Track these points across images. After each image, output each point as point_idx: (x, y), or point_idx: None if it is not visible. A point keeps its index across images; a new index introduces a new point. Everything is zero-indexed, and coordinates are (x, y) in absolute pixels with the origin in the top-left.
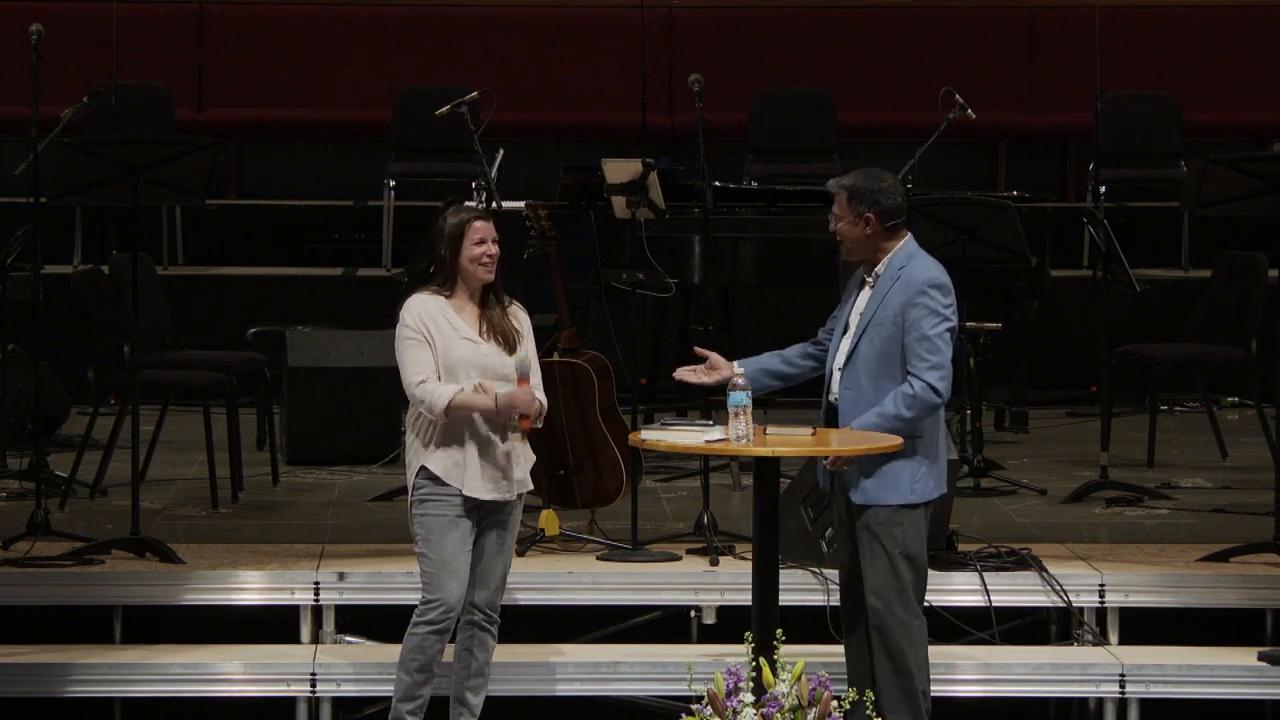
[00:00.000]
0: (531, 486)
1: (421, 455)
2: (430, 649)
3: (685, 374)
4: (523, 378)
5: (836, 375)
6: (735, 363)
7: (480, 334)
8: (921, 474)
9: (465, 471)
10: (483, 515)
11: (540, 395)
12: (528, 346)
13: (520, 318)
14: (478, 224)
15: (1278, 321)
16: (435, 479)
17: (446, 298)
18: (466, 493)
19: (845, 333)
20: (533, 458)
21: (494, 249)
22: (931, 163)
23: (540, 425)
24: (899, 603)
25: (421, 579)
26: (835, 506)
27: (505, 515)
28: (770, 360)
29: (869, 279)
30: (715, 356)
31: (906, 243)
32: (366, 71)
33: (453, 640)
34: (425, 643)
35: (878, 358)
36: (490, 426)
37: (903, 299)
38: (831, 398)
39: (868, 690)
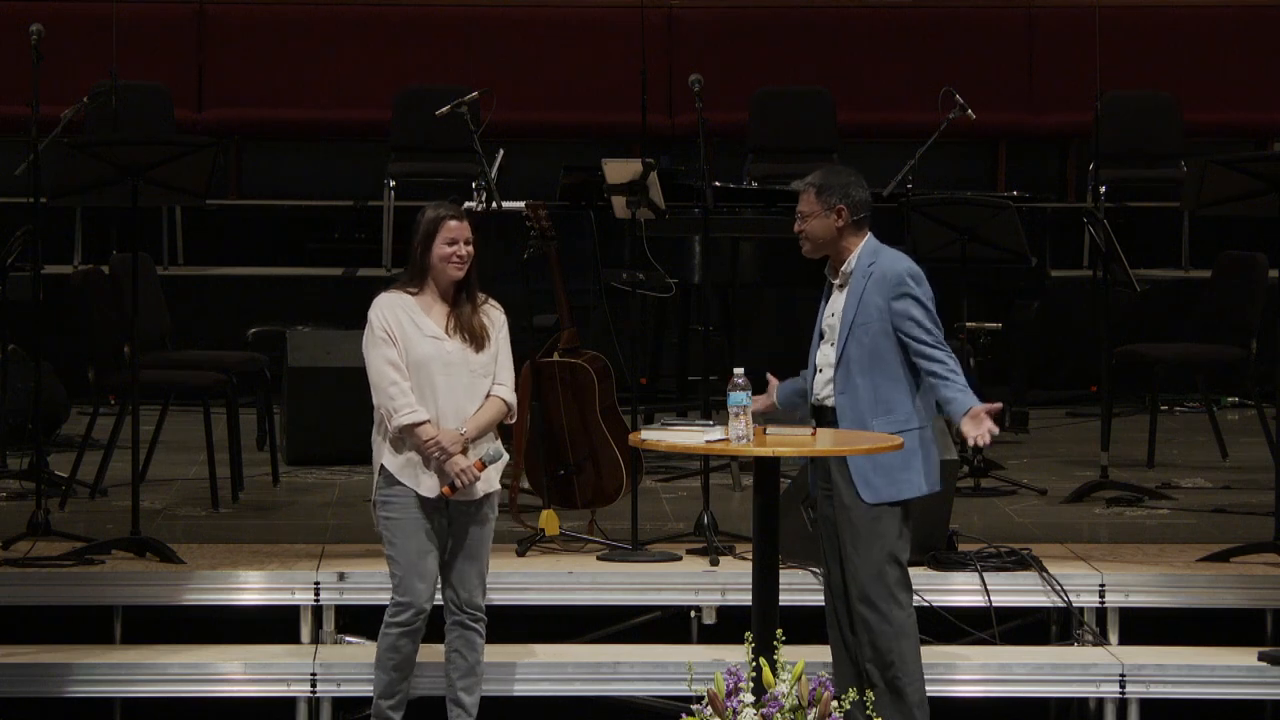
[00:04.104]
0: (498, 488)
1: (382, 454)
2: (404, 648)
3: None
4: (481, 463)
5: (821, 379)
6: (778, 383)
7: (446, 331)
8: (915, 470)
9: (421, 472)
10: (452, 516)
11: (476, 478)
12: (500, 353)
13: (493, 315)
14: (451, 223)
15: (1278, 321)
16: (392, 479)
17: (414, 294)
18: (420, 493)
19: (823, 338)
20: (504, 458)
21: (465, 250)
22: (931, 163)
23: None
24: (885, 597)
25: (390, 580)
26: (819, 506)
27: (475, 515)
28: (799, 381)
29: (836, 280)
30: (772, 381)
31: (869, 239)
32: (366, 71)
33: (443, 641)
34: (399, 643)
35: (869, 356)
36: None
37: (884, 295)
38: (816, 400)
39: (868, 690)
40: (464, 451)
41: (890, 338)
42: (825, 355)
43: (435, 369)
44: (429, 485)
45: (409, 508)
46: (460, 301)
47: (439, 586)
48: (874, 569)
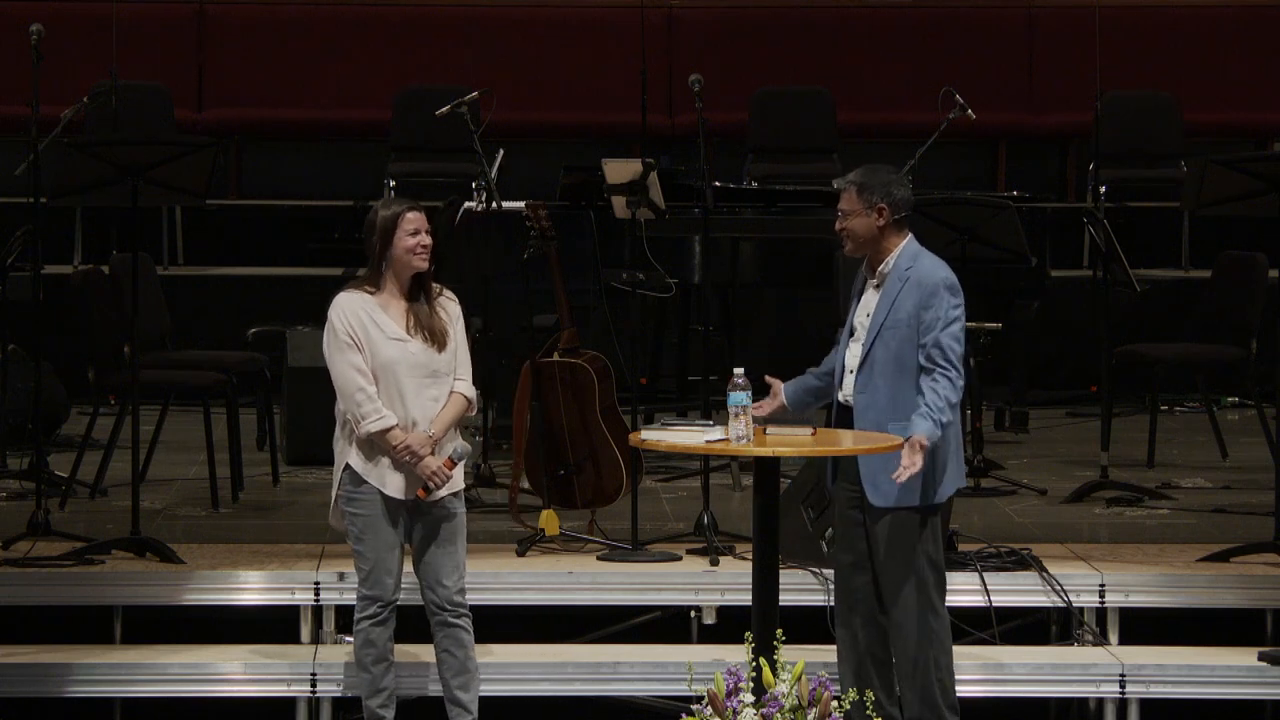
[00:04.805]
0: (463, 485)
1: (348, 455)
2: (378, 640)
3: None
4: (450, 461)
5: (849, 378)
6: (782, 384)
7: (407, 331)
8: (940, 474)
9: (386, 471)
10: (419, 514)
11: (450, 476)
12: (459, 348)
13: (449, 308)
14: (411, 214)
15: (1278, 321)
16: (358, 478)
17: (372, 294)
18: (386, 492)
19: (853, 335)
20: (467, 451)
21: (427, 240)
22: (931, 163)
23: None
24: (920, 603)
25: (357, 574)
26: (838, 504)
27: (441, 513)
28: (809, 379)
29: (873, 279)
30: (774, 383)
31: (910, 241)
32: (366, 71)
33: (432, 641)
34: (371, 635)
35: (893, 361)
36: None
37: (915, 301)
38: (842, 398)
39: (868, 690)
40: (432, 452)
41: (915, 344)
42: (854, 354)
43: (401, 372)
44: (395, 485)
45: (375, 505)
46: (418, 297)
47: (421, 585)
48: (906, 575)
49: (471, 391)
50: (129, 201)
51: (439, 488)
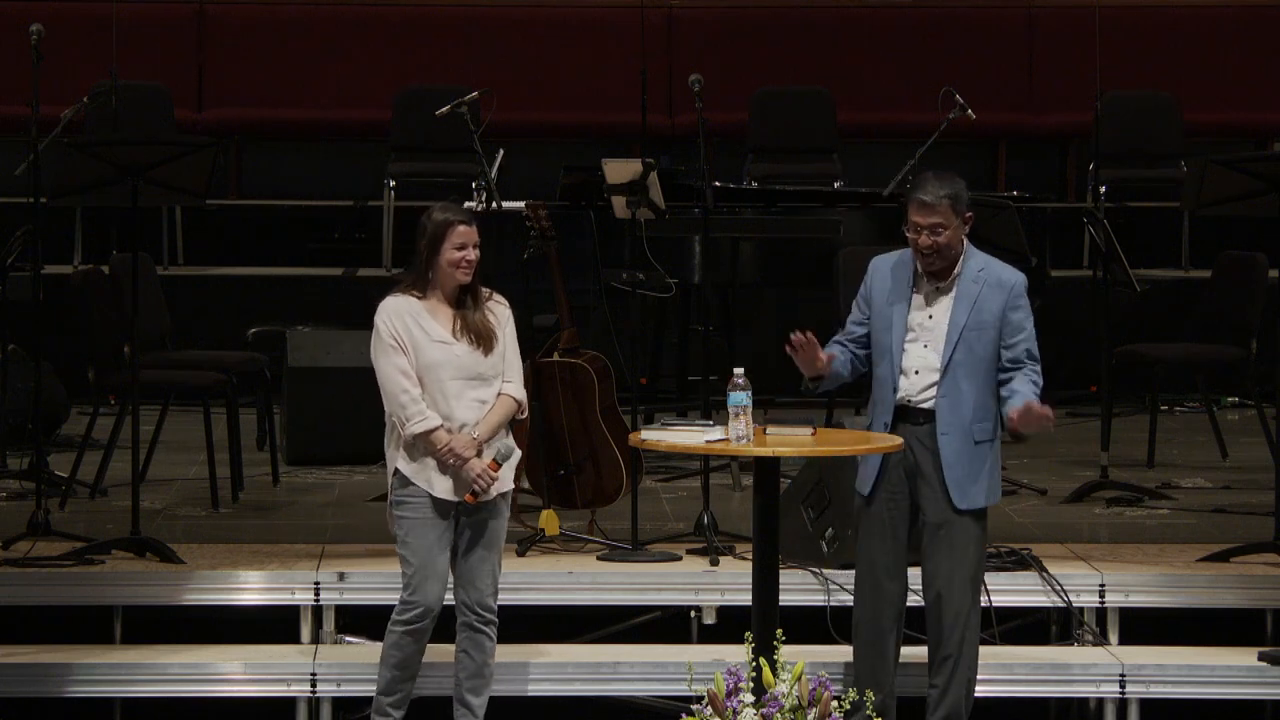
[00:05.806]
0: (511, 486)
1: (395, 457)
2: (407, 647)
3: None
4: (495, 463)
5: (912, 379)
6: (824, 351)
7: (453, 334)
8: (997, 479)
9: (433, 473)
10: (463, 516)
11: (502, 480)
12: (508, 350)
13: (498, 312)
14: (461, 228)
15: (1278, 321)
16: (406, 481)
17: (419, 298)
18: (434, 494)
19: (908, 334)
20: (516, 454)
21: (474, 254)
22: (931, 163)
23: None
24: (974, 601)
25: (401, 579)
26: (881, 504)
27: (487, 516)
28: (845, 355)
29: (937, 282)
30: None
31: (968, 244)
32: (366, 71)
33: (453, 641)
34: (401, 641)
35: (977, 361)
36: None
37: (1001, 303)
38: (902, 399)
39: (868, 690)
40: (478, 454)
41: (996, 346)
42: (923, 357)
43: (445, 374)
44: (442, 487)
45: (422, 508)
46: (465, 304)
47: (454, 584)
48: (966, 573)
49: (521, 394)
50: (129, 201)
51: (485, 490)
